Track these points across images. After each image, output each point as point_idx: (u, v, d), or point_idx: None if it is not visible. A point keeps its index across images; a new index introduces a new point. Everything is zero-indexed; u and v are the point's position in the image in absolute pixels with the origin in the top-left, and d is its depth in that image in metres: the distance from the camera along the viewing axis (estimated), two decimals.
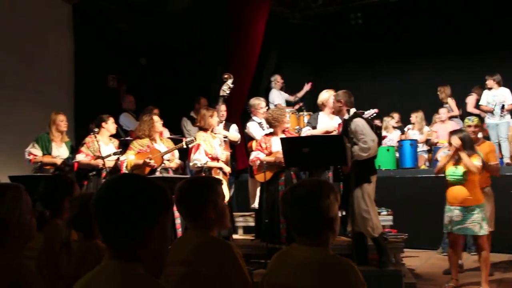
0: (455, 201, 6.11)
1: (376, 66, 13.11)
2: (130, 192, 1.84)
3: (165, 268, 2.86)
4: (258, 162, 7.02)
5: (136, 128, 7.43)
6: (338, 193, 2.55)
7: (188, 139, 7.13)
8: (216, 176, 6.84)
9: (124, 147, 7.31)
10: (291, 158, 6.23)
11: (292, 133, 7.43)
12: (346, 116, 6.42)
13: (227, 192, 6.40)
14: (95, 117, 7.55)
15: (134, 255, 1.81)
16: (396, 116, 11.48)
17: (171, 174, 7.04)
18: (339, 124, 6.68)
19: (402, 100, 12.53)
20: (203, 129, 7.21)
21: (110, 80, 10.48)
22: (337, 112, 6.59)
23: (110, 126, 7.41)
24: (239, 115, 9.96)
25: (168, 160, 7.05)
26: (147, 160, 6.82)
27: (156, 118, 7.18)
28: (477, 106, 10.43)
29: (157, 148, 7.06)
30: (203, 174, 6.88)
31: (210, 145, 7.08)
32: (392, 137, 10.85)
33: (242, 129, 8.39)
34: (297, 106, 10.85)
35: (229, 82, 7.49)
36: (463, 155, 5.99)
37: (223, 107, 7.69)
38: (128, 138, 8.12)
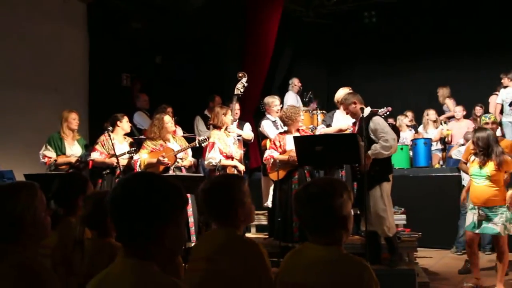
0: (478, 201, 6.00)
1: (390, 64, 13.07)
2: (145, 190, 1.85)
3: (189, 264, 2.88)
4: (272, 160, 7.02)
5: (147, 129, 7.45)
6: (352, 192, 2.54)
7: (201, 138, 7.14)
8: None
9: (138, 145, 7.34)
10: (304, 157, 6.22)
11: (306, 132, 7.41)
12: (365, 114, 6.33)
13: None
14: (109, 115, 7.58)
15: (149, 253, 1.83)
16: (409, 114, 11.43)
17: (184, 173, 7.05)
18: (354, 123, 6.61)
19: (417, 99, 12.47)
20: (217, 127, 7.22)
21: (124, 78, 10.52)
22: (353, 114, 6.43)
23: (124, 125, 7.43)
24: (252, 113, 9.97)
25: (181, 159, 7.06)
26: (161, 158, 6.84)
27: (167, 118, 7.16)
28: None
29: (170, 146, 7.08)
30: (217, 173, 6.89)
31: (225, 144, 7.08)
32: (405, 135, 10.80)
33: (254, 127, 8.38)
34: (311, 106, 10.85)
35: (244, 80, 7.50)
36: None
37: (237, 106, 7.70)
38: (142, 137, 8.14)
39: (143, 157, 6.94)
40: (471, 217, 6.09)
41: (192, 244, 6.85)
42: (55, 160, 7.20)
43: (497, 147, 5.93)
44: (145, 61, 10.86)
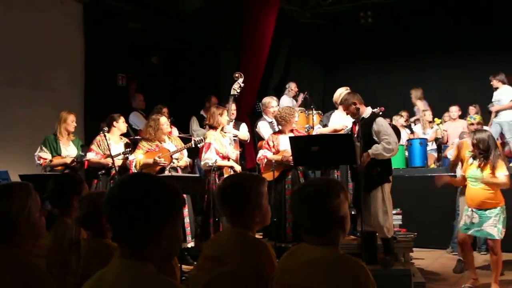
0: (472, 203, 5.99)
1: (386, 64, 13.09)
2: (142, 191, 1.85)
3: (198, 262, 2.87)
4: (265, 160, 7.02)
5: (143, 130, 7.44)
6: (348, 192, 2.54)
7: (197, 138, 7.14)
8: (227, 175, 6.85)
9: (133, 146, 7.33)
10: (300, 157, 6.21)
11: (300, 132, 7.42)
12: (366, 115, 6.33)
13: None
14: (105, 115, 7.58)
15: (145, 254, 1.82)
16: (404, 114, 11.45)
17: (180, 173, 7.05)
18: (354, 123, 6.54)
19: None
20: (213, 127, 7.21)
21: (119, 78, 10.50)
22: (354, 114, 6.39)
23: (121, 125, 7.42)
24: (248, 113, 9.97)
25: (176, 159, 7.06)
26: (157, 159, 6.83)
27: (163, 120, 7.15)
28: None
29: (166, 147, 7.07)
30: (213, 173, 6.89)
31: (221, 144, 7.07)
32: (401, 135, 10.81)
33: (250, 127, 8.38)
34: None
35: (240, 81, 7.49)
36: (490, 180, 5.86)
37: (233, 106, 7.69)
38: (138, 137, 8.13)
39: (138, 157, 6.92)
40: (464, 218, 6.10)
41: (188, 245, 6.86)
42: (50, 161, 7.18)
43: (495, 149, 5.91)
44: (141, 62, 10.86)
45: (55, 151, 7.25)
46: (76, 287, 2.86)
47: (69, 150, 7.36)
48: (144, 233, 1.81)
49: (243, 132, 8.00)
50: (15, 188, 2.47)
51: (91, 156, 7.12)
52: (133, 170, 6.84)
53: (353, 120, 6.50)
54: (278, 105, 8.31)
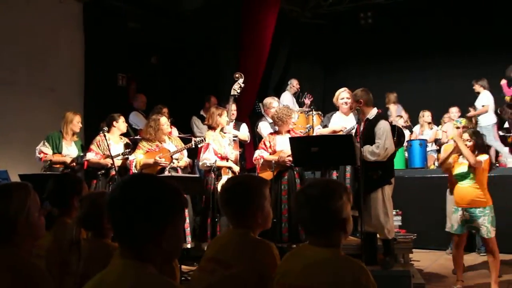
0: (462, 202, 5.99)
1: (386, 64, 13.09)
2: (144, 192, 1.85)
3: (200, 263, 2.86)
4: (262, 160, 7.00)
5: (143, 130, 7.43)
6: (351, 194, 2.53)
7: (198, 138, 7.13)
8: (225, 176, 6.85)
9: (133, 145, 7.32)
10: (300, 158, 6.20)
11: (297, 133, 7.40)
12: (371, 116, 6.32)
13: None
14: (104, 115, 7.57)
15: (146, 255, 1.82)
16: (404, 115, 11.45)
17: (180, 173, 7.04)
18: (358, 123, 6.51)
19: (412, 100, 12.47)
20: (212, 127, 7.20)
21: (119, 78, 10.50)
22: (351, 108, 6.40)
23: (121, 125, 7.42)
24: (248, 114, 9.96)
25: (176, 159, 7.05)
26: (158, 159, 6.82)
27: (163, 120, 7.15)
28: None
29: (166, 147, 7.06)
30: (212, 174, 6.89)
31: (220, 144, 7.07)
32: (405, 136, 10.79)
33: (250, 128, 8.37)
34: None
35: (240, 81, 7.48)
36: (461, 144, 5.92)
37: (233, 106, 7.68)
38: (138, 137, 8.13)
39: (138, 157, 6.92)
40: (456, 220, 6.09)
41: (188, 245, 6.85)
42: (50, 158, 7.19)
43: (482, 150, 6.04)
44: (141, 61, 10.85)
45: (56, 149, 7.27)
46: (76, 287, 2.86)
47: (70, 150, 7.37)
48: (146, 234, 1.81)
49: (243, 132, 8.00)
50: (14, 187, 2.47)
51: (90, 156, 7.11)
52: (133, 170, 6.84)
53: (357, 120, 6.50)
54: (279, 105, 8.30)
